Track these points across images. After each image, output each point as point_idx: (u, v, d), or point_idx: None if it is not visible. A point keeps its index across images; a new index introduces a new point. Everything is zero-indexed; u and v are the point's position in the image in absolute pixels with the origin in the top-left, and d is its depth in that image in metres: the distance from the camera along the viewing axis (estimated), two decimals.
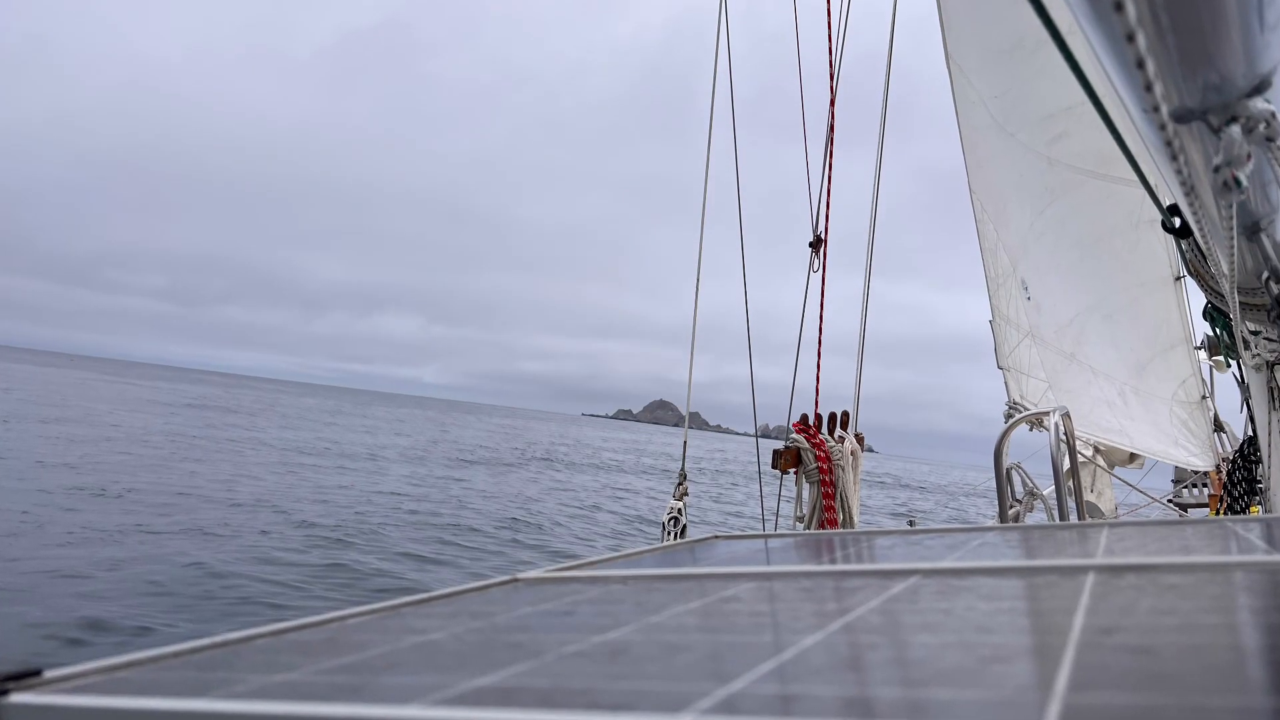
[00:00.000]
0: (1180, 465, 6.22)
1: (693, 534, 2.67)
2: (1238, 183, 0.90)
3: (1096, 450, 6.17)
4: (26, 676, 0.53)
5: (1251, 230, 1.44)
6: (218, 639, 0.65)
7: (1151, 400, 5.47)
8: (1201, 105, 0.91)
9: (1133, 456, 6.44)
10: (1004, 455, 2.84)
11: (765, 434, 4.62)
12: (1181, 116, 0.93)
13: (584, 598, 0.83)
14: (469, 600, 0.85)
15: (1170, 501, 6.89)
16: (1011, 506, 2.99)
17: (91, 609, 6.22)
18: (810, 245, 4.20)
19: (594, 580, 0.96)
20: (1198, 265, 2.30)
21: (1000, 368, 6.33)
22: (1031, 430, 4.60)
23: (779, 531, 3.34)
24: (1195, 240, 2.06)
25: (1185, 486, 7.29)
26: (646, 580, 0.95)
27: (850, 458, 3.61)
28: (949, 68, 5.19)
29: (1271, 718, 0.33)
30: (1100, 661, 0.44)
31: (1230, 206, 1.03)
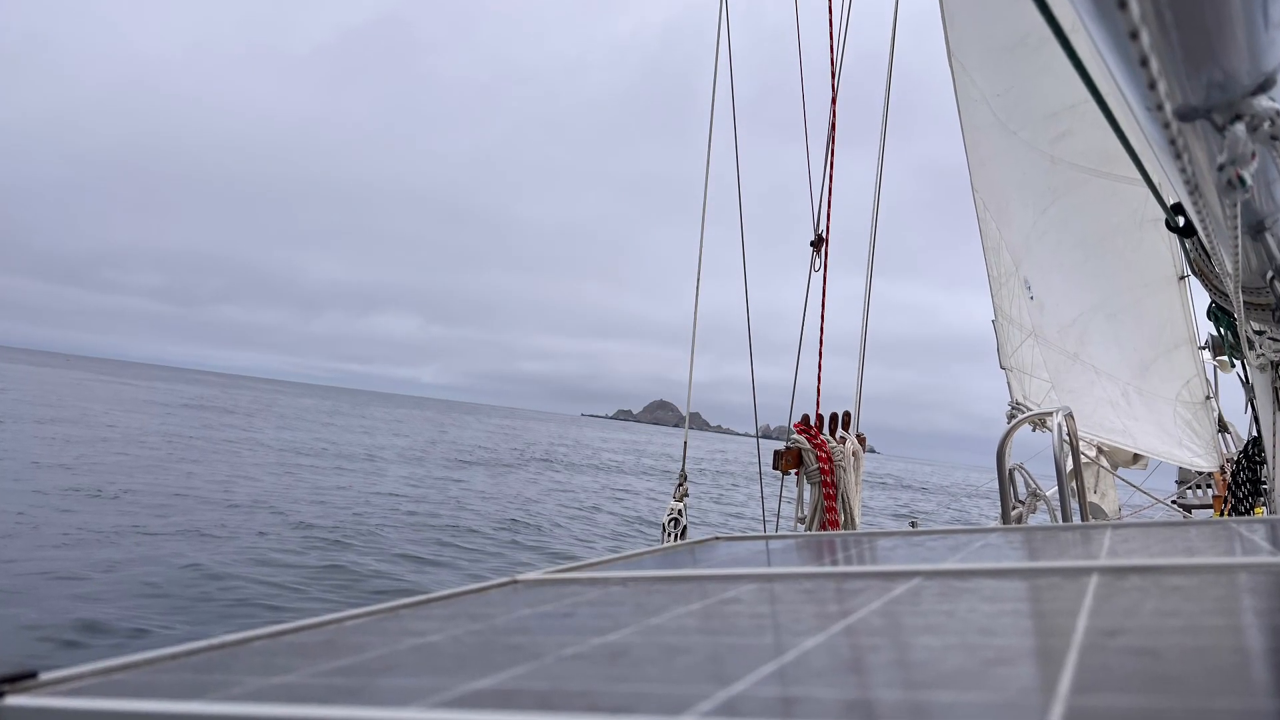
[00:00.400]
0: (1184, 466, 6.21)
1: (693, 535, 2.66)
2: (1242, 181, 0.90)
3: (1100, 451, 6.16)
4: (22, 679, 0.53)
5: (1256, 229, 1.43)
6: (214, 641, 0.65)
7: (1155, 400, 5.46)
8: (1206, 103, 0.91)
9: (1136, 457, 6.43)
10: (1006, 456, 2.83)
11: (766, 434, 4.62)
12: (1185, 114, 0.92)
13: (583, 599, 0.82)
14: (467, 602, 0.85)
15: (1174, 503, 6.89)
16: (1014, 507, 2.98)
17: (87, 611, 6.21)
18: (811, 244, 4.20)
19: (593, 582, 0.95)
20: (1202, 264, 2.30)
21: (1003, 368, 6.33)
22: (1034, 431, 4.59)
23: (780, 533, 3.34)
24: (1199, 239, 2.05)
25: (1189, 487, 7.29)
26: (646, 582, 0.95)
27: (852, 458, 3.61)
28: (951, 65, 5.19)
29: None
30: (1104, 663, 0.44)
31: (1234, 205, 1.03)
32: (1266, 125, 0.90)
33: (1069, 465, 2.58)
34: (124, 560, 7.91)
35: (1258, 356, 2.43)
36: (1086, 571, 0.81)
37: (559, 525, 14.17)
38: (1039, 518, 3.53)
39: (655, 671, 0.49)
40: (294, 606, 7.03)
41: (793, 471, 3.57)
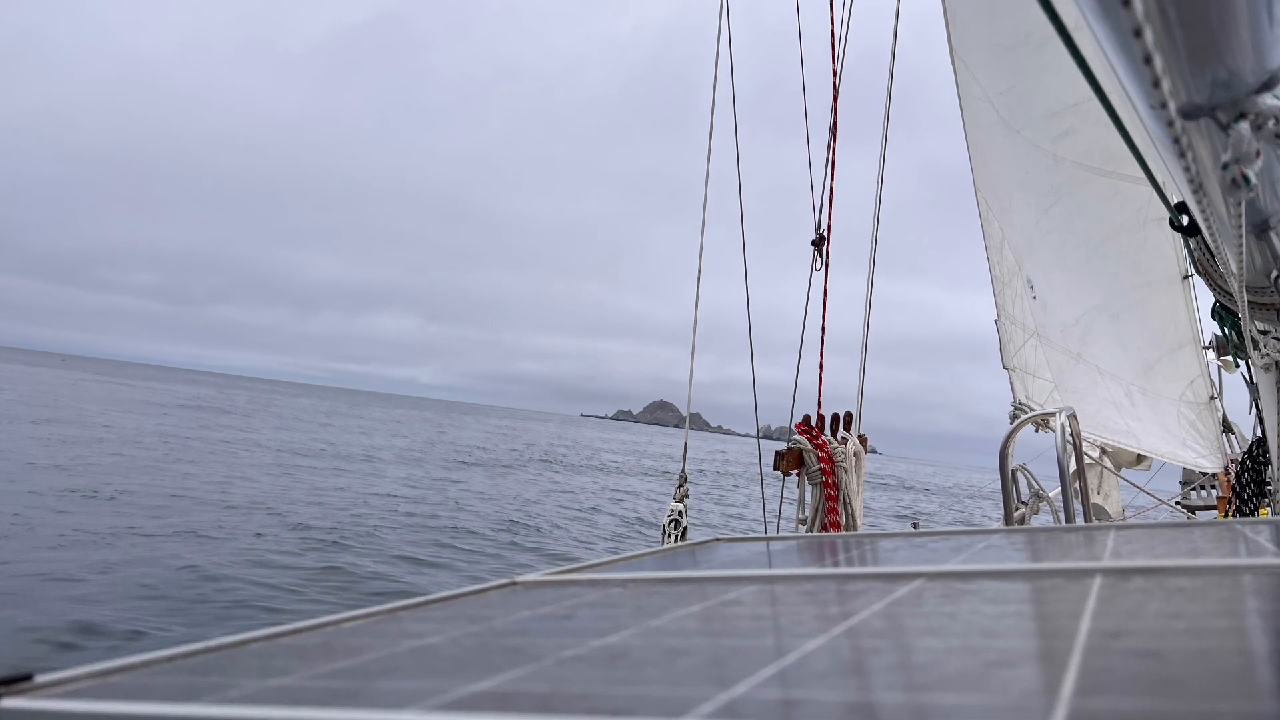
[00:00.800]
0: (1188, 467, 6.20)
1: (694, 536, 2.66)
2: (1246, 180, 0.89)
3: (1103, 452, 6.15)
4: (18, 681, 0.53)
5: (1260, 228, 1.43)
6: (211, 643, 0.65)
7: (1159, 401, 5.45)
8: (1210, 101, 0.90)
9: (1140, 458, 6.42)
10: (1009, 457, 2.82)
11: (767, 435, 4.61)
12: (1189, 113, 0.92)
13: (583, 601, 0.82)
14: (466, 604, 0.84)
15: (1178, 503, 6.88)
16: (1017, 509, 2.98)
17: (83, 612, 6.20)
18: (813, 243, 4.20)
19: (593, 584, 0.95)
20: (1206, 264, 2.29)
21: (1006, 368, 6.32)
22: (1037, 431, 4.59)
23: (781, 534, 3.34)
24: (1203, 238, 2.05)
25: (1193, 488, 7.28)
26: (647, 584, 0.95)
27: (853, 459, 3.60)
28: (953, 63, 5.18)
29: None
30: (1107, 666, 0.44)
31: (1239, 204, 1.02)
32: (1271, 123, 0.90)
33: (1072, 466, 2.58)
34: (120, 562, 7.91)
35: (1262, 356, 2.42)
36: (1090, 573, 0.80)
37: (558, 526, 14.17)
38: (1042, 519, 3.53)
39: (655, 674, 0.49)
40: (291, 608, 7.03)
41: (794, 472, 3.56)
